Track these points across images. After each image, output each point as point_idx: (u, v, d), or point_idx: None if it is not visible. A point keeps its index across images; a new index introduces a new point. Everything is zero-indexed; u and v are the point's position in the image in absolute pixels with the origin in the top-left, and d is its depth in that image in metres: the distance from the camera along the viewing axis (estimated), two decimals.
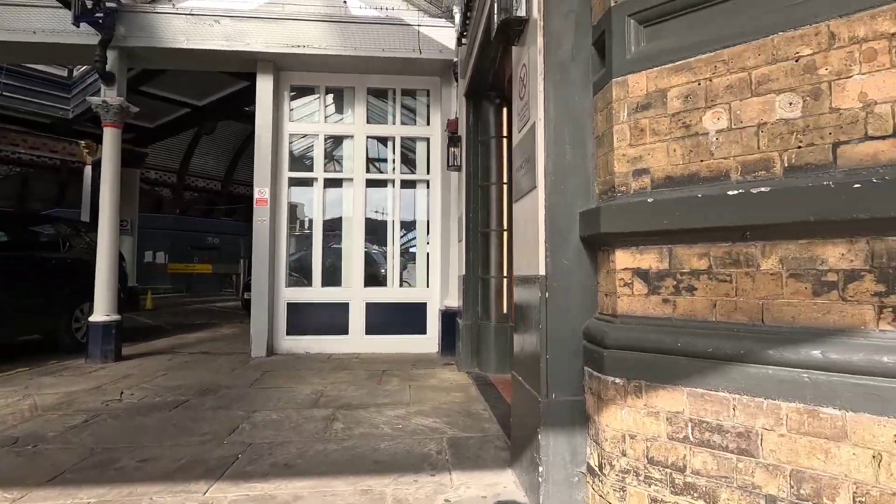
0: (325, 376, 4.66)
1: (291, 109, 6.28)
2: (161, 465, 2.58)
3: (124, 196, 6.23)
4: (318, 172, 6.27)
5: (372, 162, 6.71)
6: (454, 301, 5.56)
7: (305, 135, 6.39)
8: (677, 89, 1.78)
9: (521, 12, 2.35)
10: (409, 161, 6.74)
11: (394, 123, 6.46)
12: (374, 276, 6.45)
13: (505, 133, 4.90)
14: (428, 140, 6.42)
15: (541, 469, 2.04)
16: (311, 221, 6.38)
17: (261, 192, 5.77)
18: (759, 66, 1.62)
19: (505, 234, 4.83)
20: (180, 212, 20.64)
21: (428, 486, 2.36)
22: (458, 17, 4.84)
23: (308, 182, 6.34)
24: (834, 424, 1.41)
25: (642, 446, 1.76)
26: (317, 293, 6.14)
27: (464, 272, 5.02)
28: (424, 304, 6.20)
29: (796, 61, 1.55)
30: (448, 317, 5.66)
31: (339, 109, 6.65)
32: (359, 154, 6.28)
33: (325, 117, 6.37)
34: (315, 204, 6.30)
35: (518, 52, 2.57)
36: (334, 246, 6.52)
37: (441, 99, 6.20)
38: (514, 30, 2.42)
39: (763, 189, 1.53)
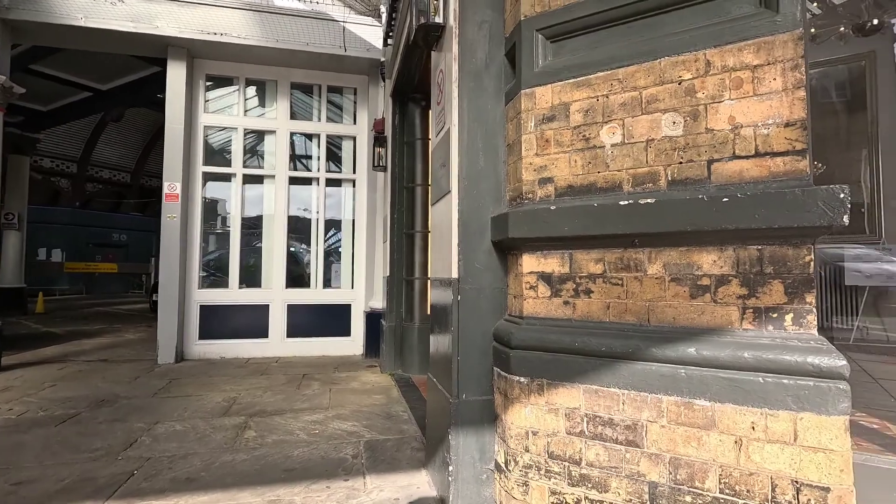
0: (240, 382, 4.44)
1: (207, 100, 5.92)
2: (40, 487, 2.33)
3: (10, 186, 5.56)
4: (237, 168, 5.96)
5: (297, 159, 6.50)
6: (379, 302, 5.52)
7: (223, 128, 6.05)
8: (579, 104, 1.89)
9: (439, 19, 2.39)
10: (335, 159, 6.60)
11: (319, 120, 6.29)
12: (296, 277, 6.25)
13: (430, 135, 4.94)
14: (355, 139, 6.32)
15: (451, 468, 2.07)
16: (229, 219, 6.05)
17: (171, 186, 5.39)
18: (648, 86, 1.76)
19: (429, 235, 4.86)
20: (81, 205, 18.74)
21: (340, 491, 2.32)
22: (384, 17, 4.81)
23: (226, 177, 6.01)
24: (705, 415, 1.56)
25: (543, 442, 1.85)
26: (234, 294, 5.83)
27: (388, 273, 4.99)
28: (349, 306, 6.10)
29: (679, 84, 1.71)
30: (373, 318, 5.61)
31: (262, 103, 6.37)
32: (282, 150, 6.05)
33: (246, 110, 6.07)
34: (233, 200, 5.98)
35: (436, 58, 2.60)
36: (255, 245, 6.23)
37: (368, 98, 6.13)
38: (431, 35, 2.45)
39: (649, 200, 1.66)
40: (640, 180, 1.75)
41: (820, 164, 6.99)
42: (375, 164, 5.33)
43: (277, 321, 5.84)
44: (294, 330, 5.89)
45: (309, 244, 6.29)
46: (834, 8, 5.91)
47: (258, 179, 6.14)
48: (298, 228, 6.38)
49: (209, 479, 2.44)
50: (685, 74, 1.69)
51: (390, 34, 4.65)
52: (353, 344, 5.99)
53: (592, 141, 1.85)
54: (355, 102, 6.34)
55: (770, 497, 1.46)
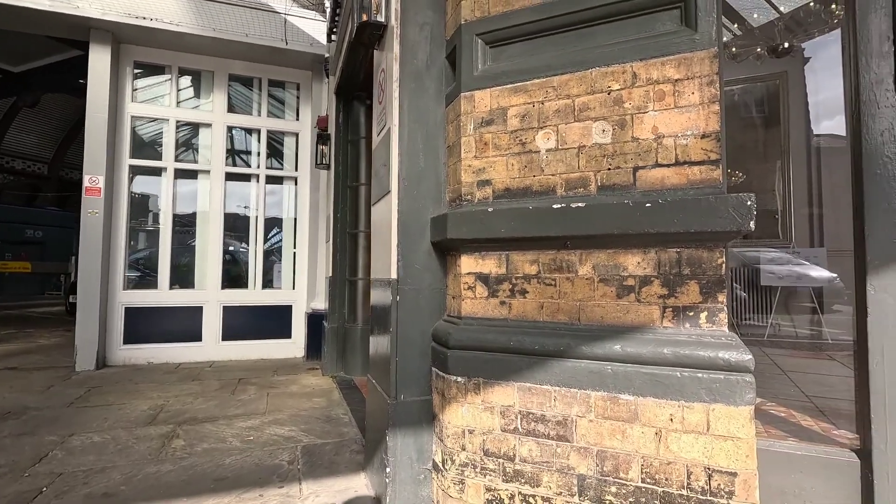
0: (169, 389, 4.19)
1: (136, 89, 5.55)
2: None
3: None
4: (169, 161, 5.63)
5: (235, 154, 6.22)
6: (321, 303, 5.40)
7: (154, 119, 5.69)
8: (516, 109, 1.94)
9: (381, 18, 2.37)
10: (277, 155, 6.38)
11: (260, 115, 6.06)
12: (233, 277, 5.98)
13: (373, 134, 4.90)
14: (297, 135, 6.15)
15: (388, 470, 2.06)
16: (159, 215, 5.70)
17: (92, 179, 5.00)
18: (580, 94, 1.83)
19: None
20: None
21: (274, 499, 2.25)
22: (329, 12, 4.71)
23: (156, 171, 5.66)
24: (629, 408, 1.64)
25: (479, 440, 1.88)
26: (164, 296, 5.50)
27: (331, 274, 4.89)
28: (290, 307, 5.91)
29: (609, 94, 1.79)
30: (315, 320, 5.47)
31: (197, 94, 6.05)
32: (218, 144, 5.78)
33: (179, 101, 5.74)
34: (165, 196, 5.64)
35: (378, 57, 2.58)
36: (188, 243, 5.91)
37: (312, 94, 5.98)
38: (373, 34, 2.43)
39: (580, 204, 1.73)
40: (573, 185, 1.82)
41: (740, 174, 7.57)
42: (318, 162, 5.21)
43: (212, 323, 5.56)
44: (230, 332, 5.64)
45: (248, 243, 6.04)
46: (752, 30, 6.41)
47: (192, 174, 5.82)
48: (236, 227, 6.12)
49: (130, 493, 2.29)
50: (614, 85, 1.78)
51: (334, 30, 4.56)
52: (293, 346, 5.81)
53: (528, 145, 1.91)
54: (298, 98, 6.17)
55: (686, 484, 1.56)
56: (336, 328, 4.81)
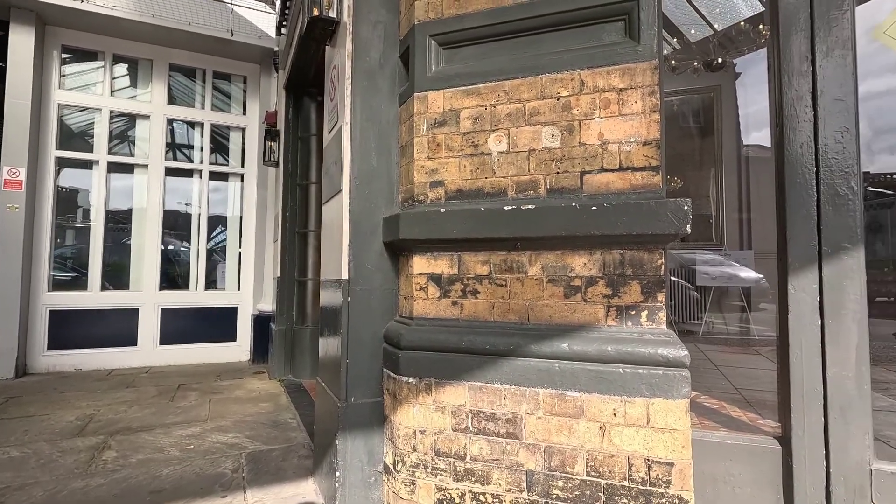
0: (100, 397, 3.92)
1: (64, 75, 5.16)
2: None
3: None
4: (101, 154, 5.27)
5: (177, 148, 5.90)
6: (269, 305, 5.23)
7: (85, 108, 5.30)
8: (468, 111, 1.96)
9: (333, 13, 2.33)
10: (222, 151, 6.11)
11: (203, 108, 5.79)
12: (174, 278, 5.68)
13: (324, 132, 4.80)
14: (244, 130, 5.93)
15: (338, 474, 2.02)
16: (90, 212, 5.32)
17: (12, 172, 4.60)
18: (531, 99, 1.88)
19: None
20: None
21: None
22: (278, 4, 4.57)
23: (87, 164, 5.28)
24: (575, 405, 1.70)
25: (430, 440, 1.88)
26: (95, 298, 5.14)
27: (279, 274, 4.75)
28: (235, 309, 5.69)
29: (558, 100, 1.84)
30: (261, 322, 5.30)
31: (133, 83, 5.70)
32: (157, 137, 5.47)
33: (113, 90, 5.39)
34: (97, 191, 5.28)
35: (330, 53, 2.54)
36: (123, 242, 5.55)
37: (260, 88, 5.78)
38: (325, 29, 2.38)
39: (530, 206, 1.77)
40: (523, 187, 1.86)
41: (678, 180, 8.01)
42: (266, 159, 5.04)
43: (149, 327, 5.26)
44: (169, 336, 5.35)
45: (189, 242, 5.76)
46: (690, 45, 6.80)
47: (128, 169, 5.48)
48: (177, 225, 5.81)
49: None
50: (563, 91, 1.83)
51: (284, 23, 4.43)
52: (238, 349, 5.59)
53: (481, 147, 1.93)
54: (245, 92, 5.95)
55: (627, 475, 1.63)
56: (284, 330, 4.67)
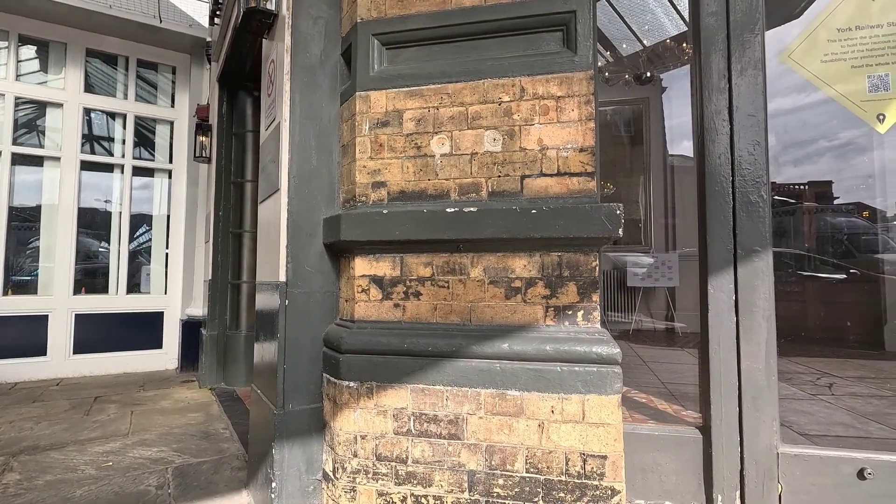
0: (1, 414, 3.53)
1: None
2: None
3: None
4: (5, 144, 4.75)
5: (95, 140, 5.44)
6: (199, 309, 4.94)
7: None
8: (411, 112, 1.95)
9: (271, 6, 2.24)
10: (148, 145, 5.70)
11: (126, 98, 5.38)
12: (91, 281, 5.22)
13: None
14: (172, 123, 5.57)
15: (274, 485, 1.94)
16: None
17: None
18: (473, 103, 1.90)
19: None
20: None
21: None
22: None
23: None
24: (515, 403, 1.74)
25: (372, 445, 1.85)
26: None
27: (211, 277, 4.49)
28: (161, 314, 5.32)
29: (499, 105, 1.88)
30: (191, 327, 4.99)
31: (44, 68, 5.19)
32: (71, 128, 5.01)
33: (19, 74, 4.88)
34: None
35: (268, 47, 2.44)
36: (30, 242, 5.03)
37: (191, 80, 5.46)
38: (261, 22, 2.29)
39: (472, 209, 1.80)
40: (466, 190, 1.88)
41: (611, 186, 8.42)
42: (197, 155, 4.76)
43: (60, 335, 4.80)
44: (85, 345, 4.91)
45: (109, 242, 5.32)
46: (621, 58, 7.19)
47: (37, 161, 4.98)
48: (95, 223, 5.35)
49: None
50: (504, 97, 1.87)
51: (218, 13, 4.21)
52: (165, 357, 5.23)
53: (424, 149, 1.93)
54: (174, 83, 5.59)
55: (564, 470, 1.69)
56: (216, 336, 4.43)
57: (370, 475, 1.85)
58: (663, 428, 1.96)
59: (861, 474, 1.72)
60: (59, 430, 3.20)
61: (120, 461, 2.70)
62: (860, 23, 1.96)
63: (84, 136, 5.17)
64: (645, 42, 7.11)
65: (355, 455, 1.87)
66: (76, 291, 4.95)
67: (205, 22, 4.97)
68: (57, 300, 4.83)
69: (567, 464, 1.69)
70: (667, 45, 6.96)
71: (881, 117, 1.93)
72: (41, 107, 5.07)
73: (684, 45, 6.80)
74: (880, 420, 2.83)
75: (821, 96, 2.00)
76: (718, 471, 1.80)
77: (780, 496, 1.76)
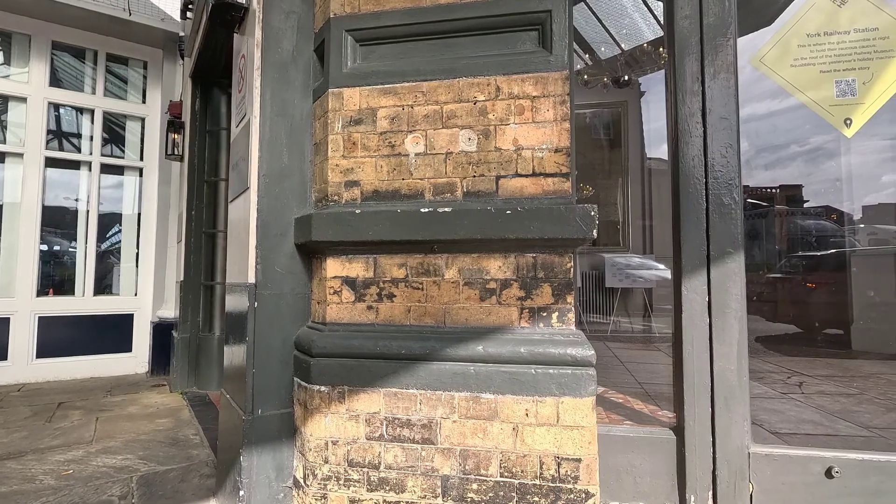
0: None
1: None
2: None
3: None
4: None
5: (62, 136, 5.25)
6: (171, 311, 4.80)
7: None
8: (385, 110, 1.91)
9: None
10: (118, 141, 5.53)
11: (94, 93, 5.20)
12: (56, 282, 5.02)
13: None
14: (143, 120, 5.40)
15: (242, 493, 1.88)
16: None
17: None
18: (448, 102, 1.87)
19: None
20: None
21: None
22: None
23: None
24: (490, 407, 1.71)
25: (343, 450, 1.81)
26: None
27: (183, 278, 4.37)
28: (131, 316, 5.15)
29: (475, 104, 1.86)
30: (162, 329, 4.85)
31: (7, 60, 4.98)
32: (35, 123, 4.82)
33: None
34: None
35: (238, 41, 2.37)
36: None
37: (163, 75, 5.31)
38: (232, 15, 2.22)
39: (447, 209, 1.77)
40: (440, 190, 1.85)
41: (590, 188, 8.50)
42: (169, 153, 4.63)
43: (22, 338, 4.61)
44: (49, 348, 4.72)
45: (77, 242, 5.14)
46: (600, 62, 7.26)
47: None
48: (62, 222, 5.16)
49: None
50: (479, 96, 1.85)
51: (190, 6, 4.10)
52: (135, 361, 5.07)
53: (398, 148, 1.90)
54: (145, 78, 5.43)
55: (539, 474, 1.67)
56: (188, 338, 4.31)
57: (342, 482, 1.80)
58: (638, 429, 1.96)
59: (829, 473, 1.74)
60: (18, 438, 3.06)
61: (82, 470, 2.59)
62: (829, 29, 1.99)
63: (50, 131, 4.98)
64: (623, 46, 7.19)
65: (326, 461, 1.82)
66: (41, 293, 4.77)
67: (177, 16, 4.84)
68: (19, 302, 4.63)
69: (541, 467, 1.67)
70: (644, 49, 7.06)
71: (848, 122, 1.96)
72: (3, 101, 4.87)
73: (661, 49, 6.90)
74: (847, 418, 2.90)
75: (794, 102, 2.03)
76: (691, 471, 1.80)
77: (751, 496, 1.77)
